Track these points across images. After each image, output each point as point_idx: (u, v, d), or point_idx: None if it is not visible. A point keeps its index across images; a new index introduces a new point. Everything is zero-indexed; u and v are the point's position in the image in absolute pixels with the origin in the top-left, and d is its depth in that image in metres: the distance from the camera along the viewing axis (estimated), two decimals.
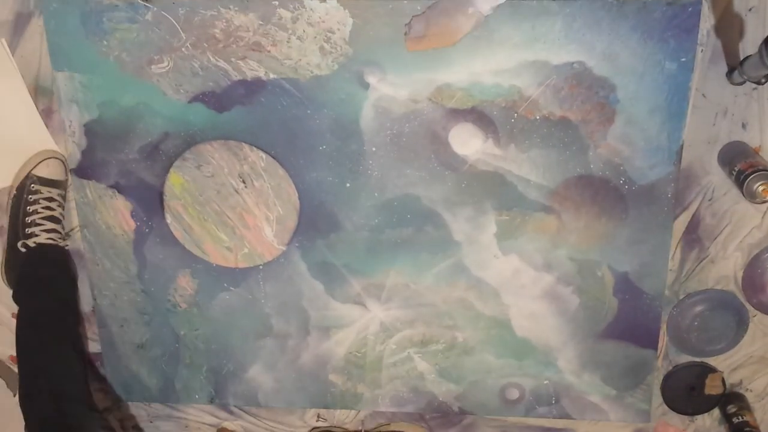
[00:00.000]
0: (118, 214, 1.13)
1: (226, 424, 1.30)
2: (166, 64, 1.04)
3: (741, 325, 1.16)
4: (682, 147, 1.04)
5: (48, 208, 1.09)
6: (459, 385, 1.22)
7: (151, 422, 1.32)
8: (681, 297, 1.15)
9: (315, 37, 1.01)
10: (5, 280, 1.14)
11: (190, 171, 1.08)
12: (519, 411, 1.23)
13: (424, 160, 1.07)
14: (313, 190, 1.10)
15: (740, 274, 1.13)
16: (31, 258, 1.09)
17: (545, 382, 1.20)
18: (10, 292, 1.22)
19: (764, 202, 1.01)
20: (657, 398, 1.22)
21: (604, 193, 1.07)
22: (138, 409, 1.30)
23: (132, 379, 1.25)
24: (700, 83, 1.02)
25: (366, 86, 1.03)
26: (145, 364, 1.24)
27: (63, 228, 1.12)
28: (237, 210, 1.10)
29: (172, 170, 1.08)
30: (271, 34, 1.01)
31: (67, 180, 1.12)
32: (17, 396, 1.23)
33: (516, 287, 1.14)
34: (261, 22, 1.00)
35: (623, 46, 0.99)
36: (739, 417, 1.18)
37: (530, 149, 1.05)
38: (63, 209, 1.13)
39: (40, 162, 1.09)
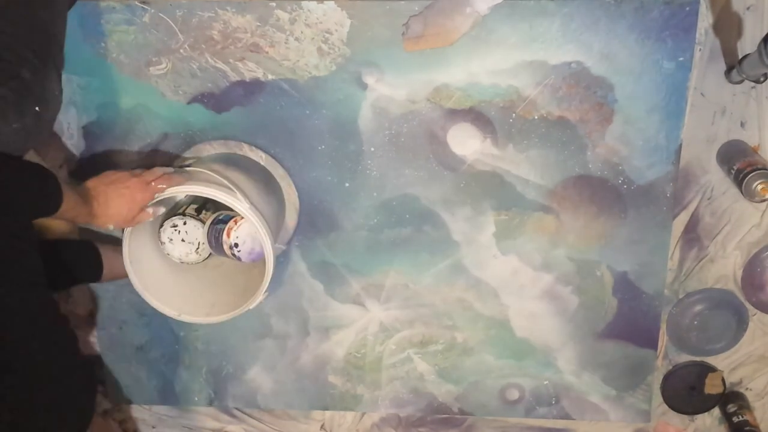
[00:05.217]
0: None
1: (230, 428, 1.30)
2: (164, 65, 1.04)
3: (740, 324, 1.16)
4: (680, 146, 1.04)
5: None
6: (459, 385, 1.22)
7: (153, 427, 1.31)
8: (680, 296, 1.15)
9: (313, 38, 1.01)
10: None
11: None
12: (519, 412, 1.23)
13: (422, 160, 1.07)
14: (313, 190, 1.10)
15: (739, 273, 1.13)
16: None
17: (545, 382, 1.20)
18: None
19: (763, 200, 1.01)
20: (657, 398, 1.22)
21: (602, 192, 1.07)
22: (139, 412, 1.30)
23: (132, 381, 1.25)
24: (698, 82, 1.02)
25: (364, 87, 1.03)
26: (144, 366, 1.24)
27: None
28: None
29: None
30: (268, 35, 1.01)
31: None
32: None
33: (515, 287, 1.14)
34: (258, 24, 1.00)
35: (621, 45, 0.99)
36: (739, 416, 1.18)
37: (528, 149, 1.05)
38: None
39: None
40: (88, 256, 1.07)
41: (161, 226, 1.05)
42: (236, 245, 1.01)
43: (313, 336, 1.19)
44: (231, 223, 1.01)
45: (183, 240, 1.05)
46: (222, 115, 1.06)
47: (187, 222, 1.05)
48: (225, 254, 1.03)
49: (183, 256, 1.07)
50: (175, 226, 1.05)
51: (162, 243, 1.05)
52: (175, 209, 1.07)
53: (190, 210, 1.06)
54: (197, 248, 1.06)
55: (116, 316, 1.20)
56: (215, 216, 1.04)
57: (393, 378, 1.22)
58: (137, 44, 1.03)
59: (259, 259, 1.02)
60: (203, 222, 1.05)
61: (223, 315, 1.01)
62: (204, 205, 1.07)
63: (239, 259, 1.02)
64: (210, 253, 1.08)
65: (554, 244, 1.11)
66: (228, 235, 1.01)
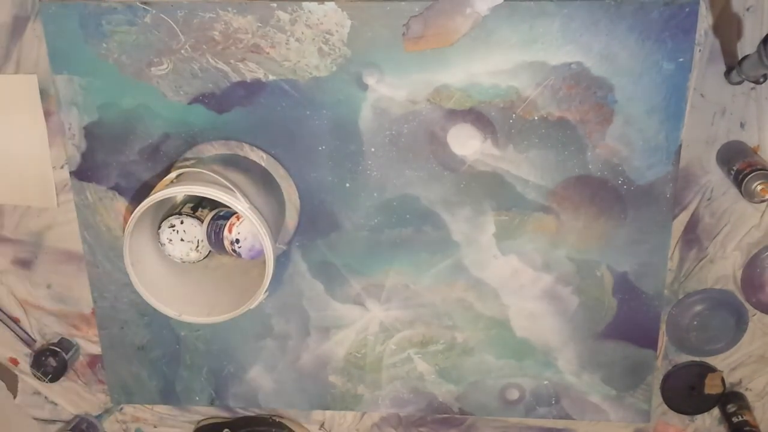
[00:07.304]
0: (118, 216, 1.14)
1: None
2: (165, 66, 1.04)
3: (740, 324, 1.16)
4: (680, 147, 1.04)
5: None
6: (459, 385, 1.22)
7: (154, 426, 1.32)
8: (680, 297, 1.15)
9: (313, 39, 1.01)
10: None
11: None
12: (519, 411, 1.23)
13: (422, 160, 1.07)
14: (313, 190, 1.10)
15: (739, 274, 1.13)
16: None
17: (545, 382, 1.20)
18: (12, 295, 1.23)
19: (763, 201, 1.01)
20: (657, 398, 1.22)
21: (602, 193, 1.07)
22: (140, 412, 1.31)
23: (132, 381, 1.25)
24: (698, 83, 1.02)
25: (364, 87, 1.03)
26: (145, 366, 1.24)
27: None
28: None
29: (172, 171, 1.08)
30: (269, 36, 1.01)
31: None
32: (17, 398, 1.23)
33: (515, 287, 1.14)
34: (259, 24, 1.01)
35: (621, 46, 0.99)
36: (739, 416, 1.18)
37: (529, 149, 1.05)
38: None
39: None
40: None
41: (159, 227, 1.05)
42: (237, 241, 1.01)
43: (314, 336, 1.19)
44: (233, 219, 1.02)
45: (182, 239, 1.05)
46: (223, 116, 1.06)
47: (184, 221, 1.05)
48: (224, 251, 1.04)
49: (183, 255, 1.07)
50: (172, 226, 1.05)
51: (162, 245, 1.06)
52: (171, 210, 1.08)
53: (186, 209, 1.06)
54: (197, 246, 1.07)
55: (117, 316, 1.20)
56: (216, 212, 1.05)
57: (393, 378, 1.22)
58: (138, 45, 1.03)
59: (259, 257, 1.02)
60: (200, 219, 1.05)
61: (224, 315, 1.01)
62: (200, 203, 1.08)
63: (239, 255, 1.02)
64: (210, 251, 1.09)
65: (554, 245, 1.11)
66: (230, 231, 1.01)
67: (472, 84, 1.02)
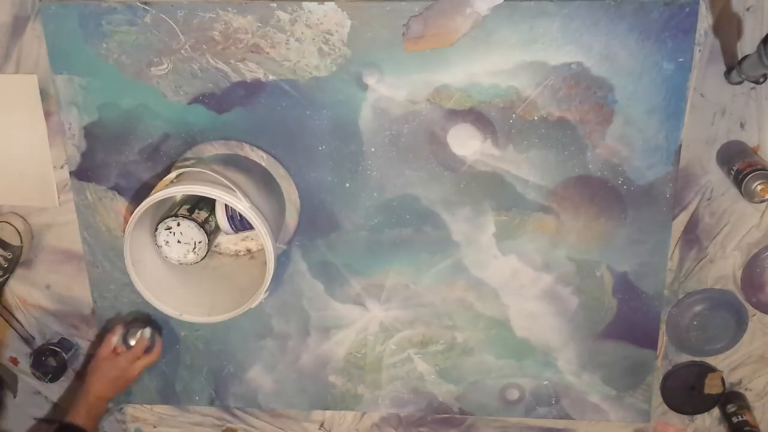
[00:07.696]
0: (118, 216, 1.14)
1: (231, 427, 1.31)
2: (165, 66, 1.04)
3: (740, 324, 1.16)
4: (680, 147, 1.04)
5: None
6: (459, 385, 1.22)
7: (154, 426, 1.32)
8: (680, 297, 1.15)
9: (313, 39, 1.01)
10: None
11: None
12: (519, 411, 1.23)
13: (422, 160, 1.07)
14: (314, 190, 1.10)
15: (739, 274, 1.13)
16: None
17: (545, 382, 1.20)
18: (12, 295, 1.23)
19: (763, 201, 1.01)
20: (657, 398, 1.22)
21: (602, 193, 1.07)
22: (140, 412, 1.31)
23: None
24: (698, 83, 1.02)
25: (365, 87, 1.03)
26: None
27: None
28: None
29: (172, 171, 1.08)
30: (269, 36, 1.01)
31: (21, 247, 1.15)
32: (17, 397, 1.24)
33: (515, 287, 1.14)
34: (259, 24, 1.01)
35: (621, 46, 0.99)
36: (739, 416, 1.18)
37: (529, 150, 1.05)
38: (3, 272, 1.16)
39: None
40: None
41: (156, 229, 1.05)
42: None
43: (314, 336, 1.19)
44: None
45: (179, 241, 1.05)
46: (223, 116, 1.06)
47: (181, 223, 1.05)
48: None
49: (180, 257, 1.07)
50: (169, 228, 1.05)
51: (159, 246, 1.05)
52: (168, 211, 1.08)
53: (183, 210, 1.06)
54: (194, 248, 1.06)
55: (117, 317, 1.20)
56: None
57: (393, 378, 1.22)
58: (138, 45, 1.03)
59: None
60: (197, 221, 1.05)
61: (224, 315, 1.01)
62: (197, 204, 1.07)
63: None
64: (207, 252, 1.08)
65: (554, 245, 1.11)
66: None
67: (472, 84, 1.02)
